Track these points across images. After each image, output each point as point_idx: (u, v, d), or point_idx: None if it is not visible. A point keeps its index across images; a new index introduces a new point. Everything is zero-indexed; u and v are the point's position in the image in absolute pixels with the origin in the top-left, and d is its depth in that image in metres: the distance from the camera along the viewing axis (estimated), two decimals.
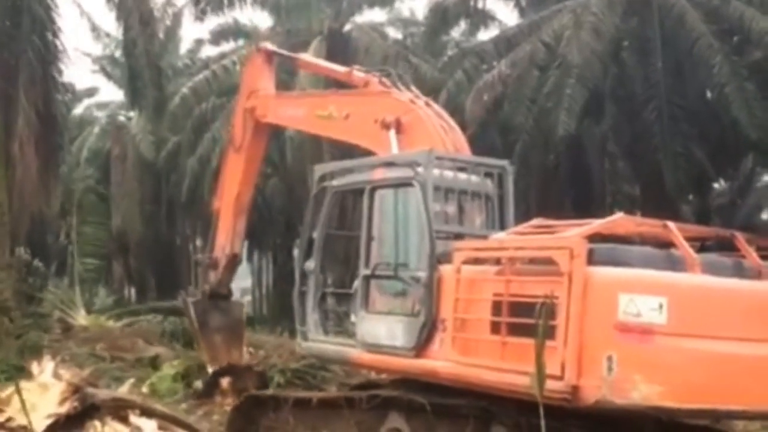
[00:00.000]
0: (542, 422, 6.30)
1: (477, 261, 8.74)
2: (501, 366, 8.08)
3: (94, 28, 29.31)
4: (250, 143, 14.10)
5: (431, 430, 9.01)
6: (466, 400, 8.61)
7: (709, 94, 25.54)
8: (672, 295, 7.43)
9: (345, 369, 15.91)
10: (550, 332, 7.67)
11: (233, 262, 14.82)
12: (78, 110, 39.55)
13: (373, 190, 9.82)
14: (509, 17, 38.27)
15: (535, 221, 8.90)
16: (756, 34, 22.18)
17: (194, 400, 14.06)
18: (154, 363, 16.16)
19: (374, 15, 35.92)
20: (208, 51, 37.90)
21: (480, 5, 29.52)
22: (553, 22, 24.20)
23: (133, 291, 38.12)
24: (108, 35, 32.84)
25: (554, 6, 25.00)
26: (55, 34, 20.91)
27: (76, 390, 8.22)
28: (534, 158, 25.73)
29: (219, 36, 37.18)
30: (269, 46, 14.63)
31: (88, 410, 8.07)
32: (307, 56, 14.66)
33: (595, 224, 8.18)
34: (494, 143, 26.54)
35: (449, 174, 9.60)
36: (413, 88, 11.56)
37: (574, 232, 8.03)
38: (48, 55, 20.66)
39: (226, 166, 14.80)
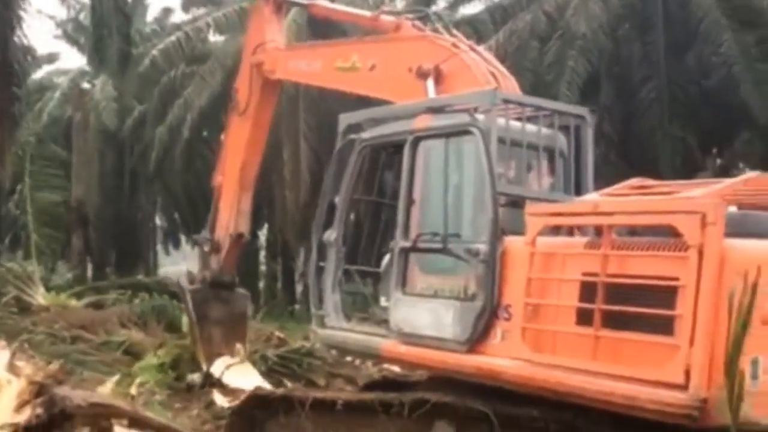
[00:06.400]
0: None
1: (556, 230, 6.94)
2: (592, 368, 6.27)
3: None
4: (258, 105, 12.50)
5: None
6: (541, 410, 6.76)
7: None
8: None
9: (337, 358, 14.32)
10: (667, 326, 5.90)
11: (238, 243, 13.12)
12: (37, 75, 37.20)
13: (416, 141, 7.94)
14: None
15: (634, 181, 7.05)
16: None
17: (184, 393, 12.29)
18: (128, 348, 14.15)
19: None
20: (178, 18, 36.16)
21: None
22: None
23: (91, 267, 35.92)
24: None
25: None
26: None
27: (40, 390, 6.15)
28: None
29: (189, 2, 35.35)
30: None
31: (57, 419, 6.01)
32: (323, 2, 12.84)
33: (727, 183, 6.36)
34: None
35: (515, 124, 7.73)
36: (455, 32, 9.69)
37: (700, 192, 6.20)
38: None
39: (229, 133, 13.20)
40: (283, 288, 32.30)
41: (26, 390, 6.18)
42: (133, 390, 9.79)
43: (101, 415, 6.20)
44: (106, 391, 7.66)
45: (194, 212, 34.79)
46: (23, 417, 6.00)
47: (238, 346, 13.03)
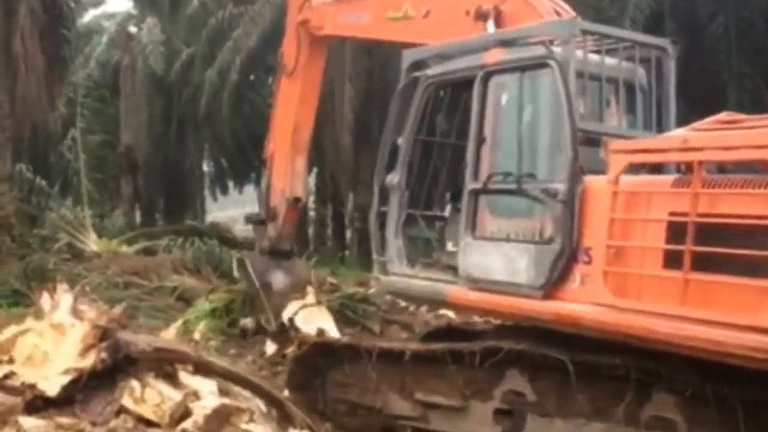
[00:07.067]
0: None
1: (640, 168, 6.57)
2: (679, 313, 5.91)
3: None
4: (306, 64, 12.08)
5: (566, 397, 6.84)
6: (622, 357, 6.42)
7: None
8: None
9: (392, 304, 14.02)
10: (762, 268, 5.51)
11: (296, 208, 12.61)
12: (84, 19, 36.91)
13: (486, 77, 7.53)
14: None
15: (723, 115, 6.59)
16: None
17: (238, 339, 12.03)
18: (181, 294, 13.97)
19: None
20: None
21: None
22: None
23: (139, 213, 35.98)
24: None
25: None
26: None
27: (104, 335, 5.93)
28: None
29: None
30: None
31: (122, 363, 5.79)
32: None
33: None
34: None
35: (593, 56, 7.29)
36: None
37: None
38: None
39: (279, 97, 12.65)
40: (333, 234, 32.00)
41: (90, 334, 5.95)
42: (197, 335, 9.60)
43: (166, 360, 5.99)
44: (169, 336, 7.44)
45: (242, 158, 34.65)
46: (88, 361, 5.79)
47: (309, 289, 12.68)
